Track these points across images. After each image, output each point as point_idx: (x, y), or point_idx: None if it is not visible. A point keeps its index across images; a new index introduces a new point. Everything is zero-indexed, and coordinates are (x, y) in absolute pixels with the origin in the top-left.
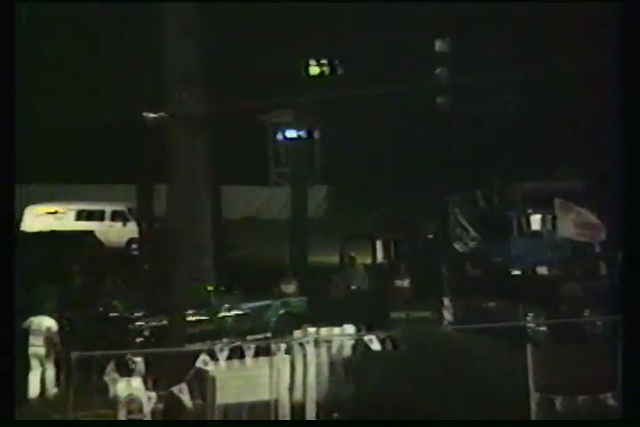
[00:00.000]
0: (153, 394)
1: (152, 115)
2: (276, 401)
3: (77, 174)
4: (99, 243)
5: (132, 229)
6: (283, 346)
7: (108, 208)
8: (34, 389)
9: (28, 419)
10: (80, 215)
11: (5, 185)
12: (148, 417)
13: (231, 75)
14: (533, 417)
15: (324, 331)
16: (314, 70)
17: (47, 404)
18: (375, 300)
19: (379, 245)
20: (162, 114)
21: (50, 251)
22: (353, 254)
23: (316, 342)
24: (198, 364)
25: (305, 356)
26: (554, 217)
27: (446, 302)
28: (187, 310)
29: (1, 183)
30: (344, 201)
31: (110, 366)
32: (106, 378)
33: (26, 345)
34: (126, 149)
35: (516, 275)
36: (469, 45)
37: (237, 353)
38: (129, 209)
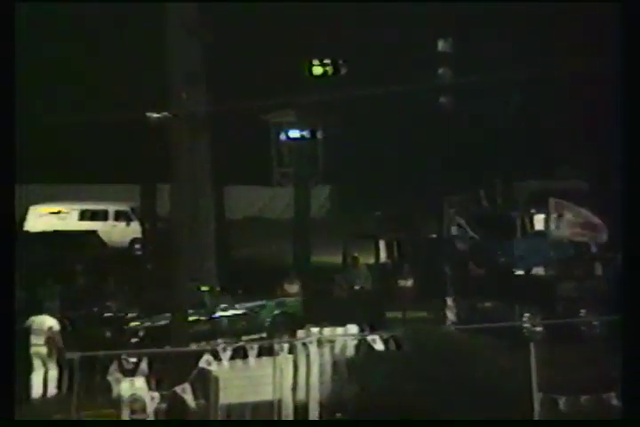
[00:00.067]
0: (156, 394)
1: (155, 115)
2: (280, 401)
3: (80, 174)
4: (102, 243)
5: (135, 229)
6: (286, 346)
7: (112, 208)
8: (36, 388)
9: (28, 419)
10: (83, 215)
11: (5, 185)
12: (152, 417)
13: (234, 75)
14: (536, 417)
15: (327, 331)
16: (317, 70)
17: (49, 404)
18: (377, 300)
19: (382, 244)
20: (165, 114)
21: (53, 251)
22: (356, 254)
23: (320, 342)
24: (201, 364)
25: (308, 356)
26: (558, 217)
27: (449, 301)
28: (188, 310)
29: (1, 183)
30: (347, 201)
31: (113, 366)
32: (109, 378)
33: (27, 345)
34: (129, 149)
35: (519, 275)
36: (470, 45)
37: (240, 353)
38: (132, 209)
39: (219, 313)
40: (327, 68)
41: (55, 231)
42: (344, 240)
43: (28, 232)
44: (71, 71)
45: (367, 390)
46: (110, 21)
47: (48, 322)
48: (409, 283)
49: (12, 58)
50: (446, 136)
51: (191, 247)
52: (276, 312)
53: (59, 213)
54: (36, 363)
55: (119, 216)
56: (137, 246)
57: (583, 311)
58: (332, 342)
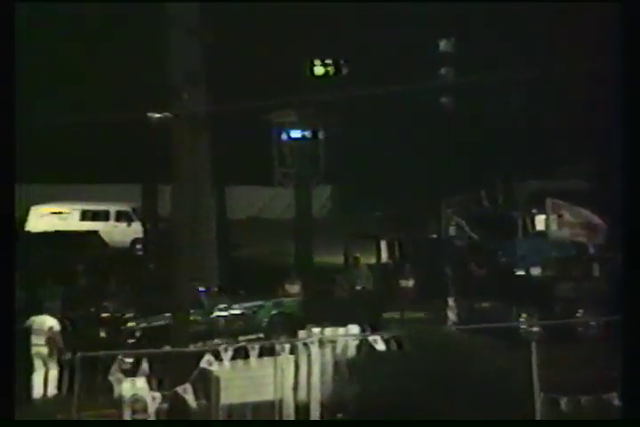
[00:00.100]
0: (157, 394)
1: (156, 115)
2: (281, 401)
3: (81, 174)
4: (103, 243)
5: (136, 230)
6: (287, 346)
7: (113, 208)
8: (37, 389)
9: (28, 419)
10: (85, 215)
11: (5, 185)
12: (153, 417)
13: (235, 75)
14: (538, 417)
15: (328, 331)
16: (319, 70)
17: (50, 404)
18: (377, 300)
19: (383, 245)
20: (166, 114)
21: (54, 251)
22: (357, 255)
23: (321, 343)
24: (203, 364)
25: (309, 356)
26: (555, 217)
27: (450, 302)
28: (190, 310)
29: (1, 183)
30: (348, 201)
31: (115, 366)
32: (110, 378)
33: (28, 345)
34: (130, 149)
35: (520, 275)
36: (471, 45)
37: (242, 353)
38: (133, 209)
39: (216, 313)
40: (329, 69)
41: (56, 231)
42: (345, 240)
43: (29, 232)
44: (72, 71)
45: (368, 390)
46: (111, 22)
47: (48, 322)
48: (410, 283)
49: (12, 58)
50: (447, 136)
51: (192, 247)
52: (274, 312)
53: (60, 213)
54: (37, 363)
55: (120, 216)
56: (138, 247)
57: (585, 312)
58: (333, 342)
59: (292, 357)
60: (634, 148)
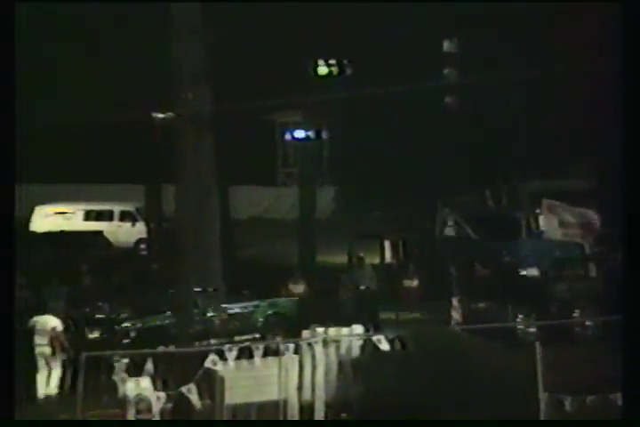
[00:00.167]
0: (162, 394)
1: (160, 115)
2: (285, 401)
3: (85, 175)
4: (107, 243)
5: (140, 230)
6: (291, 346)
7: (117, 208)
8: (40, 389)
9: (28, 419)
10: (89, 215)
11: (5, 185)
12: (157, 417)
13: (239, 75)
14: (542, 417)
15: (332, 331)
16: (322, 70)
17: (54, 404)
18: (378, 300)
19: (387, 245)
20: (169, 114)
21: (59, 251)
22: (361, 254)
23: (325, 343)
24: (207, 364)
25: (313, 356)
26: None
27: (454, 302)
28: (195, 310)
29: (1, 183)
30: (352, 201)
31: (119, 366)
32: (115, 378)
33: (31, 345)
34: (134, 149)
35: (524, 276)
36: (474, 45)
37: (246, 353)
38: (137, 209)
39: (211, 314)
40: (332, 69)
41: (61, 231)
42: (349, 240)
43: (33, 232)
44: (75, 71)
45: (372, 390)
46: (113, 21)
47: (51, 322)
48: (414, 283)
49: (12, 58)
50: (450, 136)
51: (196, 247)
52: (270, 313)
53: (64, 213)
54: (41, 363)
55: (124, 216)
56: (142, 247)
57: (590, 312)
58: (337, 342)
59: (296, 357)
60: (634, 148)
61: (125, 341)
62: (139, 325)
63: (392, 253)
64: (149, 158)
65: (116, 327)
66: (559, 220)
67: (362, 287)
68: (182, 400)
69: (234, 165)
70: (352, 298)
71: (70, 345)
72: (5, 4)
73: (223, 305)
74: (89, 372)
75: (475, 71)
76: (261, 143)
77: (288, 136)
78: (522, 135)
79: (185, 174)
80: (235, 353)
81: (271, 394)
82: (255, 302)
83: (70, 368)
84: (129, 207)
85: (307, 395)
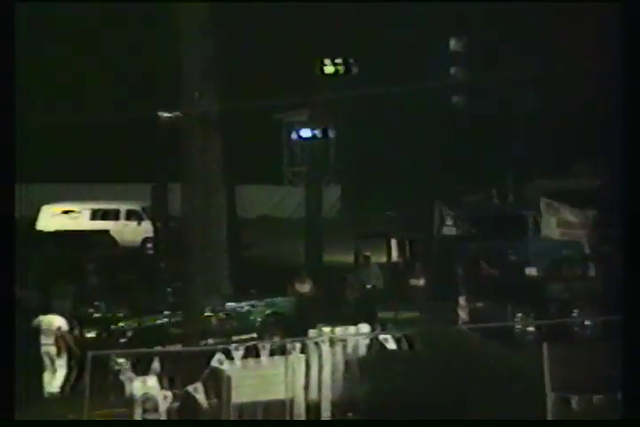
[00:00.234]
0: (168, 393)
1: (167, 114)
2: (292, 400)
3: (91, 174)
4: (114, 242)
5: (146, 229)
6: (298, 345)
7: (123, 207)
8: (46, 388)
9: (28, 419)
10: (95, 215)
11: (5, 185)
12: (164, 416)
13: (245, 74)
14: (549, 417)
15: (338, 330)
16: (328, 69)
17: (61, 403)
18: (386, 299)
19: (393, 244)
20: (176, 113)
21: (65, 250)
22: (368, 253)
23: (332, 342)
24: (214, 363)
25: (320, 355)
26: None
27: (461, 301)
28: (202, 309)
29: (1, 183)
30: (359, 200)
31: (126, 365)
32: (121, 377)
33: (37, 344)
34: (140, 148)
35: (529, 275)
36: (483, 45)
37: (253, 352)
38: (143, 208)
39: (208, 313)
40: (339, 68)
41: (67, 231)
42: (356, 239)
43: (40, 231)
44: (80, 71)
45: (379, 389)
46: (117, 21)
47: (57, 322)
48: (421, 282)
49: (12, 58)
50: (456, 135)
51: (203, 247)
52: (267, 312)
53: (71, 212)
54: (46, 363)
55: (131, 215)
56: (149, 246)
57: (595, 311)
58: (343, 341)
59: (302, 356)
60: (634, 148)
61: (122, 340)
62: (146, 324)
63: (398, 253)
64: (156, 158)
65: (123, 327)
66: (558, 219)
67: (368, 286)
68: (189, 399)
69: (240, 164)
70: (358, 297)
71: (76, 344)
72: (5, 3)
73: (221, 305)
74: (95, 371)
75: (480, 71)
76: (268, 142)
77: (294, 135)
78: (528, 134)
79: (191, 173)
80: (241, 352)
81: (278, 393)
82: (253, 302)
83: (76, 368)
84: (135, 206)
85: (313, 394)
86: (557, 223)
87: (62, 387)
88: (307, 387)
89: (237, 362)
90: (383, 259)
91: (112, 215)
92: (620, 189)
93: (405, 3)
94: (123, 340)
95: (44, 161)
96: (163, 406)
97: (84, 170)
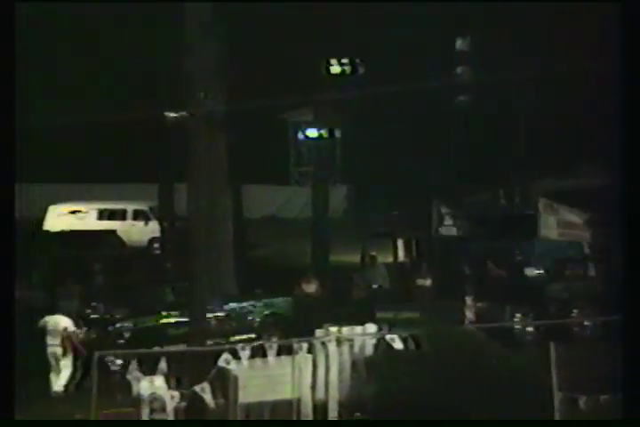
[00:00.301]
0: (176, 393)
1: (172, 114)
2: (299, 400)
3: (98, 174)
4: (121, 242)
5: (153, 229)
6: (305, 345)
7: (130, 207)
8: (53, 388)
9: (28, 419)
10: (102, 215)
11: (5, 185)
12: (171, 416)
13: (251, 74)
14: (557, 417)
15: (345, 330)
16: (335, 69)
17: (68, 403)
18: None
19: (400, 244)
20: (182, 113)
21: (72, 250)
22: (374, 253)
23: (339, 341)
24: (221, 363)
25: (327, 355)
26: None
27: (468, 301)
28: (208, 309)
29: (1, 183)
30: (365, 200)
31: (133, 365)
32: (128, 377)
33: (42, 345)
34: (147, 148)
35: (534, 275)
36: (491, 44)
37: (259, 352)
38: (150, 208)
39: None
40: (345, 68)
41: (74, 231)
42: (362, 239)
43: (47, 232)
44: (85, 71)
45: (386, 389)
46: (125, 20)
47: (63, 322)
48: (427, 282)
49: (13, 58)
50: (463, 135)
51: (209, 247)
52: (266, 313)
53: (78, 212)
54: (52, 363)
55: (137, 215)
56: (155, 246)
57: (599, 311)
58: (350, 341)
59: (309, 356)
60: (634, 148)
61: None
62: (146, 324)
63: (405, 252)
64: (162, 158)
65: (121, 327)
66: (557, 220)
67: (374, 286)
68: (196, 399)
69: (246, 164)
70: (365, 297)
71: (83, 344)
72: (5, 3)
73: (219, 305)
74: (102, 371)
75: (492, 69)
76: (274, 142)
77: (300, 135)
78: (535, 134)
79: (198, 174)
80: (248, 352)
81: (284, 393)
82: (251, 303)
83: (81, 368)
84: (142, 206)
85: (320, 394)
86: (557, 223)
87: (66, 386)
88: (314, 387)
89: (244, 362)
90: (389, 259)
91: (119, 215)
92: (620, 189)
93: (414, 2)
94: (123, 340)
95: (51, 161)
96: (170, 406)
97: (90, 170)
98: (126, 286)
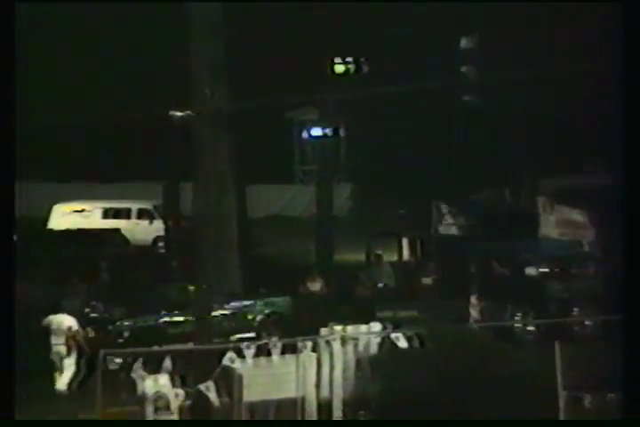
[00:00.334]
0: (180, 391)
1: (178, 113)
2: (303, 399)
3: (103, 173)
4: (125, 241)
5: (157, 228)
6: (309, 344)
7: (135, 206)
8: (57, 387)
9: (28, 419)
10: (107, 213)
11: (5, 185)
12: (175, 414)
13: (256, 73)
14: (562, 416)
15: (350, 329)
16: (339, 68)
17: (72, 402)
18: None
19: (405, 242)
20: (188, 112)
21: (77, 249)
22: (379, 252)
23: (343, 340)
24: (225, 361)
25: (332, 353)
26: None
27: (473, 300)
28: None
29: (1, 183)
30: (369, 199)
31: (137, 364)
32: (133, 375)
33: (48, 344)
34: (152, 147)
35: (538, 274)
36: (495, 43)
37: (264, 351)
38: (155, 207)
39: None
40: (349, 67)
41: (79, 230)
42: (367, 238)
43: (52, 230)
44: (89, 71)
45: (391, 387)
46: (126, 20)
47: (67, 322)
48: (432, 281)
49: (12, 58)
50: (467, 134)
51: (214, 246)
52: (266, 312)
53: (82, 211)
54: (57, 362)
55: (142, 214)
56: (160, 245)
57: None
58: (355, 339)
59: (314, 354)
60: (634, 148)
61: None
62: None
63: (410, 251)
64: (167, 157)
65: (120, 326)
66: (557, 219)
67: (380, 285)
68: (200, 398)
69: (251, 163)
70: (370, 296)
71: (87, 344)
72: (5, 3)
73: (220, 304)
74: (107, 369)
75: (499, 69)
76: (279, 141)
77: (305, 134)
78: (539, 133)
79: (203, 172)
80: (253, 351)
81: (289, 392)
82: (251, 302)
83: (85, 367)
84: (147, 205)
85: (325, 393)
86: (557, 223)
87: (70, 385)
88: (318, 385)
89: (249, 361)
90: (395, 257)
91: (124, 214)
92: (620, 189)
93: (418, 2)
94: (122, 340)
95: (55, 160)
96: (174, 405)
97: (95, 169)
98: (131, 284)
